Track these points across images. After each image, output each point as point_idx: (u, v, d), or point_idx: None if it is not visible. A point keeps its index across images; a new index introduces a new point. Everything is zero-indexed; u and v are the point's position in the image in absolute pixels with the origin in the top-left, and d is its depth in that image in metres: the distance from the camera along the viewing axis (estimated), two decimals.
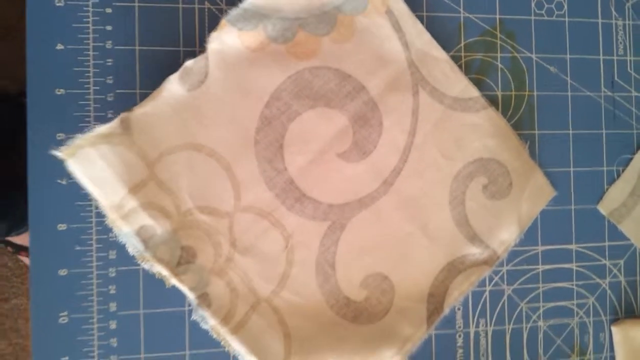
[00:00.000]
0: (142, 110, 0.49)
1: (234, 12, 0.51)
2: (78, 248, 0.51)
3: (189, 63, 0.50)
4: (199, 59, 0.51)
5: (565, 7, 0.60)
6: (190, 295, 0.49)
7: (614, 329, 0.60)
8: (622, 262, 0.61)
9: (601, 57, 0.61)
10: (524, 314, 0.58)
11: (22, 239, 1.20)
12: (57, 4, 0.51)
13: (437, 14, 0.58)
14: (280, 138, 0.53)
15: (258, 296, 0.52)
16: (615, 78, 0.61)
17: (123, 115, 0.48)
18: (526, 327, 0.58)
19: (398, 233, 0.55)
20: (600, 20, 0.61)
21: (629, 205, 0.60)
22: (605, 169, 0.61)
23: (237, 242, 0.52)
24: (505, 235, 0.56)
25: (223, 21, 0.51)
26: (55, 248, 0.51)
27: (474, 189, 0.56)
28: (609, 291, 0.60)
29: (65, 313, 0.50)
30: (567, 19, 0.60)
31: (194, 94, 0.51)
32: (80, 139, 0.46)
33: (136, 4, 0.53)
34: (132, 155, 0.48)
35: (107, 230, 0.50)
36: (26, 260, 1.28)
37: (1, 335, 1.33)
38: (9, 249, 1.24)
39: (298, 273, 0.53)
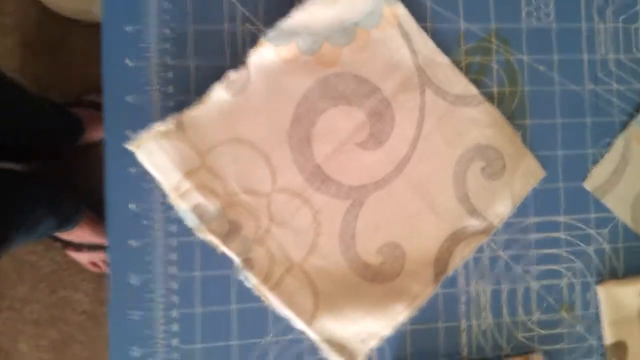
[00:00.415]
0: (194, 113, 0.58)
1: (271, 32, 0.59)
2: (145, 222, 0.59)
3: (231, 74, 0.59)
4: (241, 70, 0.59)
5: (553, 14, 0.66)
6: (237, 260, 0.57)
7: (598, 288, 0.65)
8: (606, 230, 0.66)
9: (585, 56, 0.66)
10: (518, 275, 0.65)
11: (69, 235, 1.26)
12: (126, 29, 0.60)
13: (440, 25, 0.64)
14: (309, 131, 0.61)
15: (291, 261, 0.59)
16: (598, 74, 0.67)
17: (177, 116, 0.57)
18: (520, 287, 0.65)
19: (408, 209, 0.62)
20: (584, 24, 0.67)
21: (611, 182, 0.66)
22: (590, 151, 0.66)
23: (274, 217, 0.60)
24: (501, 209, 0.63)
25: (262, 40, 0.59)
26: (127, 223, 0.59)
27: (474, 171, 0.63)
28: (594, 256, 0.66)
29: (134, 275, 0.59)
30: (554, 25, 0.66)
31: (237, 99, 0.59)
32: (143, 135, 0.55)
33: (190, 28, 0.61)
34: (186, 147, 0.57)
35: (169, 208, 0.58)
36: (73, 255, 1.33)
37: (50, 324, 1.38)
38: (58, 244, 1.31)
39: (324, 242, 0.60)
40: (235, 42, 0.62)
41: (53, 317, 1.38)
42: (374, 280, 0.61)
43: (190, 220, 0.57)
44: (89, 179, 1.32)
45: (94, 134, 1.29)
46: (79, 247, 1.30)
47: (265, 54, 0.60)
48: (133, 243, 0.59)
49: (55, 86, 1.37)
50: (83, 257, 1.32)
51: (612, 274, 0.67)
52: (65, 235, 1.27)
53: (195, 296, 0.60)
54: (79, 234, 1.26)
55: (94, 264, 1.33)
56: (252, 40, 0.61)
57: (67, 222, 1.18)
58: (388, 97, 0.62)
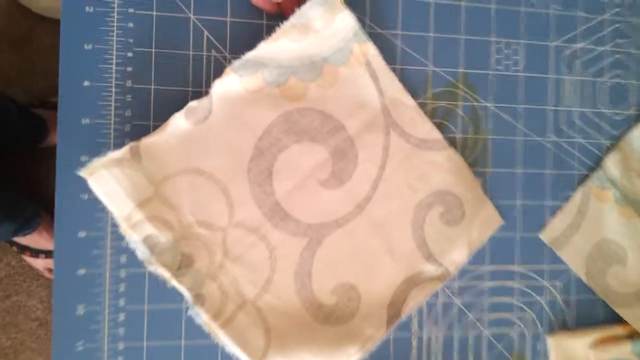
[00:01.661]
0: (151, 140, 0.54)
1: (237, 63, 0.55)
2: (95, 252, 0.55)
3: (193, 103, 0.55)
4: (203, 99, 0.55)
5: (523, 63, 0.64)
6: (187, 295, 0.53)
7: (549, 338, 0.63)
8: (559, 282, 0.64)
9: (550, 107, 0.64)
10: (470, 323, 0.62)
11: (27, 240, 1.20)
12: (86, 47, 0.55)
13: (408, 67, 0.61)
14: (270, 166, 0.57)
15: (244, 298, 0.56)
16: (561, 126, 0.65)
17: (132, 144, 0.53)
18: (472, 335, 0.62)
19: (366, 250, 0.59)
20: (551, 75, 0.64)
21: (567, 235, 0.64)
22: (548, 203, 0.64)
23: (229, 252, 0.56)
24: (457, 256, 0.60)
25: (227, 69, 0.55)
26: (76, 251, 0.55)
27: (432, 216, 0.60)
28: (546, 307, 0.63)
29: (82, 306, 0.54)
30: (522, 74, 0.64)
31: (198, 128, 0.55)
32: (96, 162, 0.51)
33: (153, 50, 0.57)
34: (140, 176, 0.53)
35: (120, 238, 0.54)
36: (29, 260, 1.27)
37: (1, 330, 1.32)
38: (14, 248, 1.24)
39: (279, 280, 0.57)
40: (199, 69, 0.58)
41: (5, 322, 1.32)
42: (327, 320, 0.58)
43: (141, 252, 0.53)
44: (49, 183, 1.25)
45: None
46: (35, 252, 1.24)
47: (229, 84, 0.56)
48: (81, 272, 0.55)
49: (18, 83, 1.32)
50: (39, 263, 1.27)
51: (564, 326, 0.64)
52: (23, 240, 1.22)
53: (142, 330, 0.56)
54: (37, 239, 1.20)
55: (50, 270, 1.27)
56: (218, 69, 0.57)
57: (25, 226, 1.13)
58: (352, 136, 0.59)
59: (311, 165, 0.59)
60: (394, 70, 0.60)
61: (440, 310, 0.62)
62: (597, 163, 0.65)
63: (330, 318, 0.58)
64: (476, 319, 0.62)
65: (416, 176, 0.60)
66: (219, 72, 0.55)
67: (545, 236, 0.64)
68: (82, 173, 0.51)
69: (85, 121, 0.55)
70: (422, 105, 0.61)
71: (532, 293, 0.64)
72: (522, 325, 0.63)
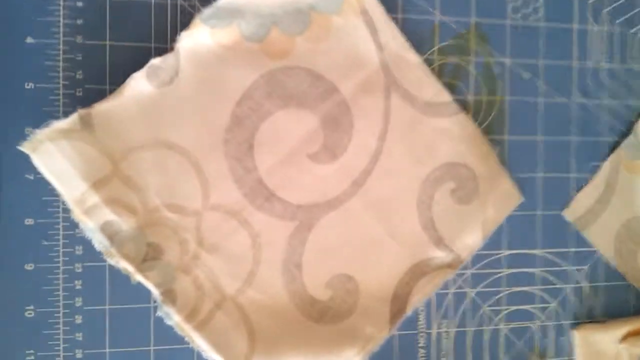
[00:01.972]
0: (105, 107, 0.51)
1: (207, 11, 0.52)
2: (45, 243, 0.53)
3: (156, 61, 0.52)
4: (168, 56, 0.52)
5: (542, 12, 0.62)
6: (155, 292, 0.51)
7: (574, 333, 0.62)
8: (586, 268, 0.63)
9: (575, 62, 0.63)
10: (486, 316, 0.61)
11: None
12: None
13: (411, 17, 0.59)
14: (250, 137, 0.55)
15: (223, 294, 0.54)
16: (588, 85, 0.63)
17: (82, 111, 0.50)
18: (488, 330, 0.61)
19: (365, 234, 0.57)
20: (575, 26, 0.63)
21: (595, 212, 0.63)
22: (573, 175, 0.63)
23: (204, 240, 0.54)
24: (470, 240, 0.59)
25: (196, 20, 0.52)
26: (22, 242, 0.52)
27: (442, 193, 0.58)
28: (571, 296, 0.63)
29: (32, 307, 0.52)
30: (542, 24, 0.62)
31: (163, 91, 0.52)
32: (39, 134, 0.48)
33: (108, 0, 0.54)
34: (94, 151, 0.50)
35: (74, 225, 0.52)
36: None
37: None
38: None
39: (264, 272, 0.55)
40: (163, 20, 0.55)
41: None
42: (321, 319, 0.56)
43: (99, 242, 0.51)
44: None
45: None
46: None
47: (199, 38, 0.53)
48: (29, 267, 0.53)
49: None
50: None
51: (591, 318, 0.64)
52: None
53: (104, 334, 0.54)
54: None
55: None
56: (185, 19, 0.54)
57: None
58: (347, 100, 0.57)
59: (299, 135, 0.57)
60: (394, 21, 0.58)
61: (452, 302, 0.61)
62: (628, 128, 0.64)
63: (324, 316, 0.56)
64: (492, 312, 0.62)
65: (422, 147, 0.59)
66: (186, 24, 0.53)
67: (569, 214, 0.63)
68: (24, 147, 0.48)
69: (28, 86, 0.52)
70: (428, 62, 0.59)
71: (556, 280, 0.63)
72: (544, 318, 0.63)
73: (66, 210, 0.52)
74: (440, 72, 0.60)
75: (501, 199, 0.60)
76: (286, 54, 0.56)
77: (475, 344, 0.61)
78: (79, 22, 0.53)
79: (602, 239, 0.64)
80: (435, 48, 0.60)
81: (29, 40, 0.52)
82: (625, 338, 0.62)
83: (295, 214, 0.56)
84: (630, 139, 0.63)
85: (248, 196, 0.55)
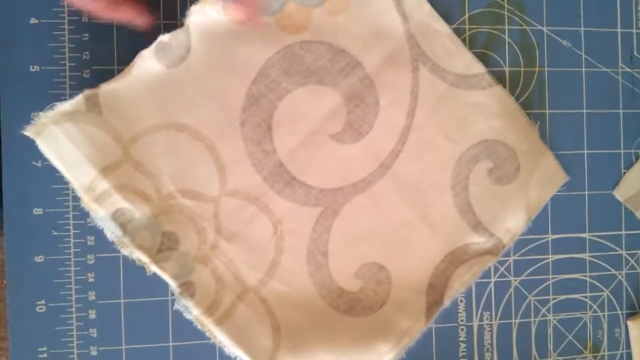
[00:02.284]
0: (112, 87, 0.49)
1: None
2: (55, 233, 0.51)
3: (165, 37, 0.49)
4: (178, 32, 0.50)
5: None
6: (173, 284, 0.49)
7: (630, 324, 0.59)
8: None
9: (619, 30, 0.59)
10: (532, 307, 0.57)
11: None
12: None
13: None
14: (268, 118, 0.52)
15: (245, 285, 0.51)
16: (635, 53, 0.59)
17: (87, 92, 0.48)
18: (534, 322, 0.57)
19: (396, 220, 0.55)
20: None
21: None
22: (622, 151, 0.59)
23: (223, 228, 0.52)
24: (512, 223, 0.55)
25: None
26: (31, 233, 0.51)
27: (478, 173, 0.55)
28: (625, 283, 0.59)
29: (43, 302, 0.50)
30: None
31: (174, 71, 0.50)
32: (43, 117, 0.47)
33: None
34: (102, 134, 0.48)
35: (85, 214, 0.50)
36: None
37: None
38: None
39: (288, 261, 0.53)
40: None
41: None
42: (350, 311, 0.54)
43: (110, 231, 0.49)
44: None
45: None
46: None
47: (210, 13, 0.51)
48: (39, 259, 0.51)
49: None
50: None
51: None
52: None
53: (119, 330, 0.52)
54: None
55: None
56: None
57: None
58: (371, 75, 0.54)
59: (320, 114, 0.54)
60: None
61: (494, 292, 0.58)
62: None
63: (354, 308, 0.54)
64: (539, 302, 0.58)
65: (455, 123, 0.56)
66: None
67: (620, 193, 0.59)
68: (28, 132, 0.46)
69: (33, 68, 0.51)
70: (458, 32, 0.56)
71: (608, 266, 0.59)
72: (597, 308, 0.59)
73: (76, 198, 0.50)
74: (471, 43, 0.57)
75: (545, 178, 0.57)
76: (303, 28, 0.54)
77: (521, 337, 0.58)
78: None
79: None
80: (466, 16, 0.57)
81: (33, 20, 0.51)
82: None
83: (319, 199, 0.54)
84: None
85: (268, 180, 0.53)
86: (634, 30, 0.60)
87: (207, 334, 0.50)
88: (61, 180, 0.49)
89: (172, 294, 0.51)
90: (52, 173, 0.49)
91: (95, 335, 0.51)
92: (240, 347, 0.50)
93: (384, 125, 0.54)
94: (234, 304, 0.51)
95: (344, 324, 0.53)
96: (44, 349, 0.51)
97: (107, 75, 0.50)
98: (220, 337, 0.50)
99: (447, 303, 0.54)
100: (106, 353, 0.52)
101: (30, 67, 0.51)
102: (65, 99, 0.49)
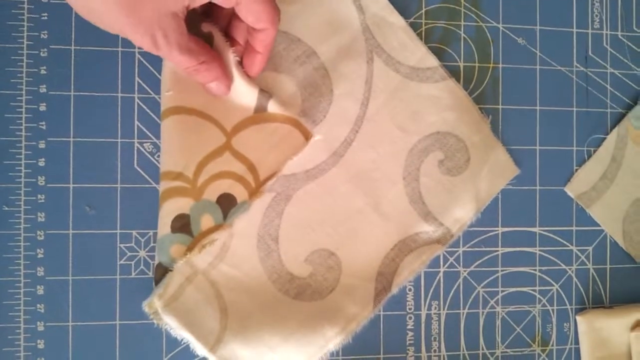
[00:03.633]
0: None
1: None
2: (6, 209, 0.50)
3: None
4: None
5: None
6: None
7: (579, 318, 0.58)
8: (590, 248, 0.58)
9: (574, 29, 0.59)
10: (480, 298, 0.56)
11: None
12: None
13: None
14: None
15: (195, 268, 0.50)
16: (589, 53, 0.59)
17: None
18: (483, 313, 0.56)
19: (347, 208, 0.54)
20: None
21: (599, 188, 0.58)
22: (574, 148, 0.59)
23: None
24: (461, 213, 0.55)
25: None
26: None
27: (430, 164, 0.55)
28: (575, 279, 0.58)
29: None
30: None
31: None
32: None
33: None
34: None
35: (36, 191, 0.49)
36: None
37: None
38: None
39: (238, 246, 0.52)
40: None
41: None
42: (299, 296, 0.53)
43: None
44: None
45: None
46: None
47: None
48: None
49: None
50: None
51: (597, 302, 0.59)
52: None
53: (67, 307, 0.51)
54: None
55: None
56: None
57: None
58: (326, 64, 0.54)
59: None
60: None
61: (443, 282, 0.56)
62: (634, 99, 0.60)
63: (303, 293, 0.53)
64: (487, 294, 0.57)
65: (408, 114, 0.55)
66: None
67: (571, 190, 0.59)
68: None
69: None
70: (414, 26, 0.56)
71: (558, 261, 0.58)
72: (546, 302, 0.58)
73: (28, 174, 0.50)
74: (427, 37, 0.57)
75: (495, 170, 0.57)
76: None
77: (468, 328, 0.57)
78: None
79: (608, 217, 0.59)
80: (423, 11, 0.57)
81: None
82: (636, 326, 0.58)
83: (272, 185, 0.53)
84: (636, 109, 0.59)
85: None
86: (589, 31, 0.59)
87: (152, 317, 0.49)
88: (13, 156, 0.49)
89: (120, 273, 0.50)
90: (4, 148, 0.49)
91: (42, 310, 0.50)
92: (187, 329, 0.49)
93: (337, 114, 0.54)
94: (182, 286, 0.50)
95: (292, 308, 0.52)
96: None
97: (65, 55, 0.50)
98: (167, 319, 0.49)
99: (395, 290, 0.54)
100: (53, 329, 0.50)
101: None
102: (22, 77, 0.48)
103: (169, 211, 0.49)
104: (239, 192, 0.51)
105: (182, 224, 0.49)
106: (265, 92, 0.51)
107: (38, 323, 0.50)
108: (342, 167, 0.54)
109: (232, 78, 0.48)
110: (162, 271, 0.49)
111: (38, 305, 0.50)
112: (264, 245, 0.52)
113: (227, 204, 0.50)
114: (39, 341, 0.50)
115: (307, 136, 0.52)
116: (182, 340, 0.50)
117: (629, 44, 0.60)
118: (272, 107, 0.51)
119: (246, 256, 0.52)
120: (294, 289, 0.53)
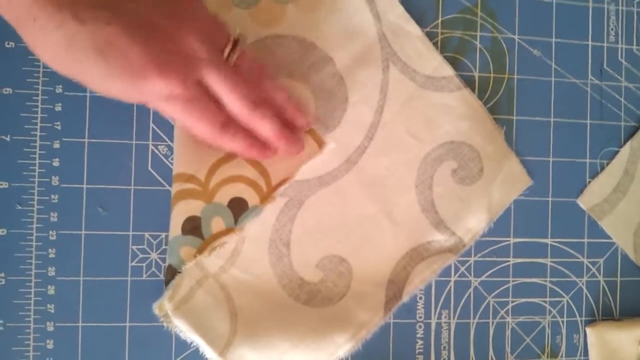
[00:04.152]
0: None
1: None
2: (19, 208, 0.49)
3: None
4: None
5: None
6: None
7: (588, 330, 0.57)
8: (601, 261, 0.58)
9: (590, 42, 0.58)
10: (490, 308, 0.56)
11: None
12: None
13: None
14: None
15: (205, 271, 0.50)
16: (604, 66, 0.58)
17: None
18: (493, 323, 0.56)
19: (359, 214, 0.53)
20: (591, 4, 0.58)
21: (611, 201, 0.58)
22: (588, 161, 0.58)
23: None
24: (473, 223, 0.54)
25: None
26: None
27: (443, 173, 0.54)
28: (585, 291, 0.57)
29: (2, 275, 0.49)
30: (555, 0, 0.57)
31: None
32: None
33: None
34: None
35: (49, 191, 0.49)
36: None
37: None
38: None
39: (249, 250, 0.51)
40: None
41: None
42: (310, 302, 0.52)
43: None
44: None
45: None
46: None
47: None
48: (1, 232, 0.49)
49: None
50: None
51: (607, 315, 0.58)
52: None
53: (77, 307, 0.50)
54: None
55: None
56: None
57: None
58: (341, 71, 0.53)
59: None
60: None
61: (453, 291, 0.56)
62: None
63: (314, 298, 0.52)
64: (497, 304, 0.56)
65: (422, 123, 0.54)
66: None
67: (584, 202, 0.58)
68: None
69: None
70: (430, 35, 0.55)
71: (569, 273, 0.57)
72: (556, 313, 0.57)
73: (42, 174, 0.49)
74: (443, 47, 0.56)
75: (508, 181, 0.56)
76: (277, 22, 0.53)
77: (478, 338, 0.56)
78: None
79: (620, 230, 0.58)
80: (439, 21, 0.56)
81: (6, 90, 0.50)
82: None
83: (284, 190, 0.52)
84: None
85: None
86: (605, 44, 0.58)
87: (162, 319, 0.49)
88: (27, 155, 0.49)
89: (132, 275, 0.50)
90: (19, 147, 0.48)
91: (52, 311, 0.49)
92: (197, 332, 0.49)
93: (352, 120, 0.53)
94: (193, 289, 0.49)
95: (302, 313, 0.52)
96: (1, 322, 0.49)
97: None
98: (177, 322, 0.49)
99: (405, 298, 0.53)
100: (63, 329, 0.50)
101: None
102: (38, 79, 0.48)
103: (180, 213, 0.49)
104: (251, 197, 0.50)
105: (192, 226, 0.49)
106: None
107: (48, 323, 0.49)
108: (355, 173, 0.53)
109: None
110: (172, 273, 0.49)
111: (48, 305, 0.49)
112: (276, 249, 0.52)
113: (238, 208, 0.50)
114: (48, 341, 0.49)
115: (320, 144, 0.51)
116: (191, 343, 0.49)
117: None
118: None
119: (257, 260, 0.52)
120: (304, 294, 0.52)
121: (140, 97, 0.41)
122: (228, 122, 0.44)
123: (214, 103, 0.44)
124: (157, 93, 0.40)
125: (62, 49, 0.37)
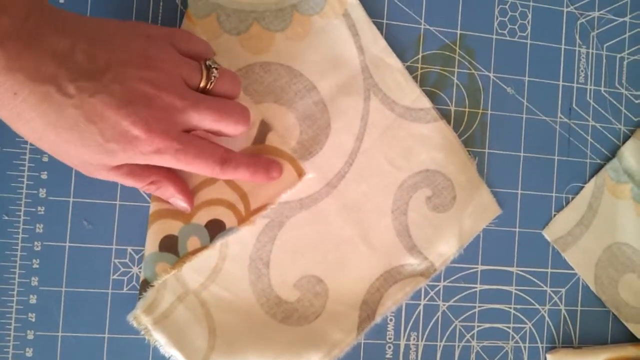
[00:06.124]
0: None
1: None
2: (5, 218, 0.48)
3: None
4: None
5: (529, 29, 0.58)
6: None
7: (549, 357, 0.57)
8: (563, 290, 0.58)
9: (561, 82, 0.58)
10: (457, 332, 0.55)
11: None
12: None
13: (397, 23, 0.55)
14: None
15: (186, 287, 0.49)
16: (573, 105, 0.59)
17: None
18: (458, 346, 0.55)
19: (337, 237, 0.53)
20: (563, 46, 0.58)
21: (575, 234, 0.58)
22: (554, 195, 0.58)
23: None
24: (445, 248, 0.54)
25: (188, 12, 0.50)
26: None
27: (418, 200, 0.54)
28: (547, 318, 0.57)
29: None
30: (529, 42, 0.58)
31: None
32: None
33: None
34: None
35: (36, 202, 0.48)
36: None
37: None
38: None
39: (230, 268, 0.51)
40: (145, 4, 0.51)
41: None
42: (286, 320, 0.51)
43: None
44: None
45: None
46: None
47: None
48: None
49: None
50: None
51: (567, 342, 0.58)
52: None
53: (58, 317, 0.49)
54: None
55: None
56: (167, 8, 0.51)
57: None
58: (325, 99, 0.53)
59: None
60: (380, 26, 0.54)
61: (422, 314, 0.55)
62: (613, 152, 0.60)
63: (290, 317, 0.52)
64: (464, 328, 0.56)
65: (400, 151, 0.54)
66: (168, 12, 0.50)
67: (549, 233, 0.58)
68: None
69: None
70: (410, 69, 0.55)
71: (532, 301, 0.57)
72: (519, 339, 0.57)
73: (29, 186, 0.48)
74: (422, 81, 0.56)
75: (479, 210, 0.56)
76: (265, 50, 0.52)
77: None
78: None
79: (582, 262, 0.58)
80: (419, 56, 0.56)
81: None
82: None
83: (266, 212, 0.51)
84: (614, 162, 0.59)
85: None
86: (575, 84, 0.59)
87: (142, 332, 0.48)
88: (15, 167, 0.48)
89: (113, 288, 0.49)
90: (8, 159, 0.47)
91: (33, 319, 0.48)
92: (175, 347, 0.48)
93: (333, 147, 0.53)
94: (174, 305, 0.49)
95: (279, 331, 0.51)
96: None
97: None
98: (156, 336, 0.48)
99: (378, 319, 0.53)
100: (42, 338, 0.48)
101: None
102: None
103: (158, 231, 0.48)
104: (229, 220, 0.50)
105: (169, 244, 0.49)
106: (266, 124, 0.50)
107: (28, 331, 0.48)
108: (335, 197, 0.53)
109: (191, 196, 0.49)
110: (146, 286, 0.48)
111: (30, 314, 0.48)
112: (255, 268, 0.51)
113: (215, 229, 0.50)
114: (27, 349, 0.48)
115: (300, 173, 0.51)
116: (169, 357, 0.48)
117: (611, 99, 0.60)
118: (270, 139, 0.51)
119: (237, 278, 0.51)
120: (281, 312, 0.51)
121: (125, 160, 0.41)
122: (228, 156, 0.45)
123: (209, 142, 0.44)
124: (146, 150, 0.40)
125: (51, 120, 0.37)
